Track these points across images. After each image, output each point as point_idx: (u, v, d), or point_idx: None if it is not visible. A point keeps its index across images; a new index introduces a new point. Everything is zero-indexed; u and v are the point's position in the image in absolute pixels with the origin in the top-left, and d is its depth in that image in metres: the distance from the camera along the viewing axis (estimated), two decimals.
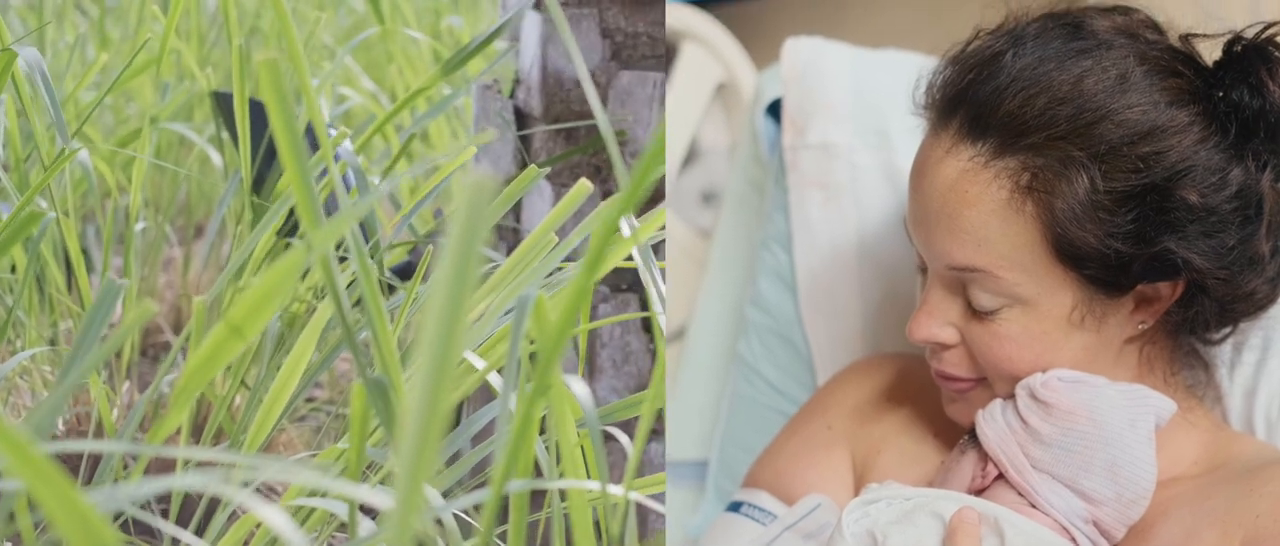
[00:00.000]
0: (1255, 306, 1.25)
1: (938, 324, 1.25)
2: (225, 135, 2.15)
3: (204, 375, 0.89)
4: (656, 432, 1.61)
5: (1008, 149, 1.19)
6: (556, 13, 0.93)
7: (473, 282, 0.58)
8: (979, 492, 1.24)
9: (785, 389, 1.54)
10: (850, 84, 1.55)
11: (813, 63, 1.56)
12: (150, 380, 2.11)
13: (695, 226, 1.78)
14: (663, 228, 1.54)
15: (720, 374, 1.61)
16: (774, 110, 1.60)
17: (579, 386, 0.97)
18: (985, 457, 1.23)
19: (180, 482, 0.68)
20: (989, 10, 1.27)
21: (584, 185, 1.25)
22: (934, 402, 1.34)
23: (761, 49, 1.80)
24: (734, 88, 1.78)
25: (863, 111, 1.54)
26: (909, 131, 1.30)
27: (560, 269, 1.29)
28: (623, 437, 1.15)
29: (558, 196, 1.68)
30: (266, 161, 1.98)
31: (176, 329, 2.32)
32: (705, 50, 1.78)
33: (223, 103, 2.07)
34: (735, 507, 1.37)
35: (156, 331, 2.29)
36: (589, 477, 1.08)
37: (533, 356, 1.33)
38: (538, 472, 1.54)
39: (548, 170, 1.40)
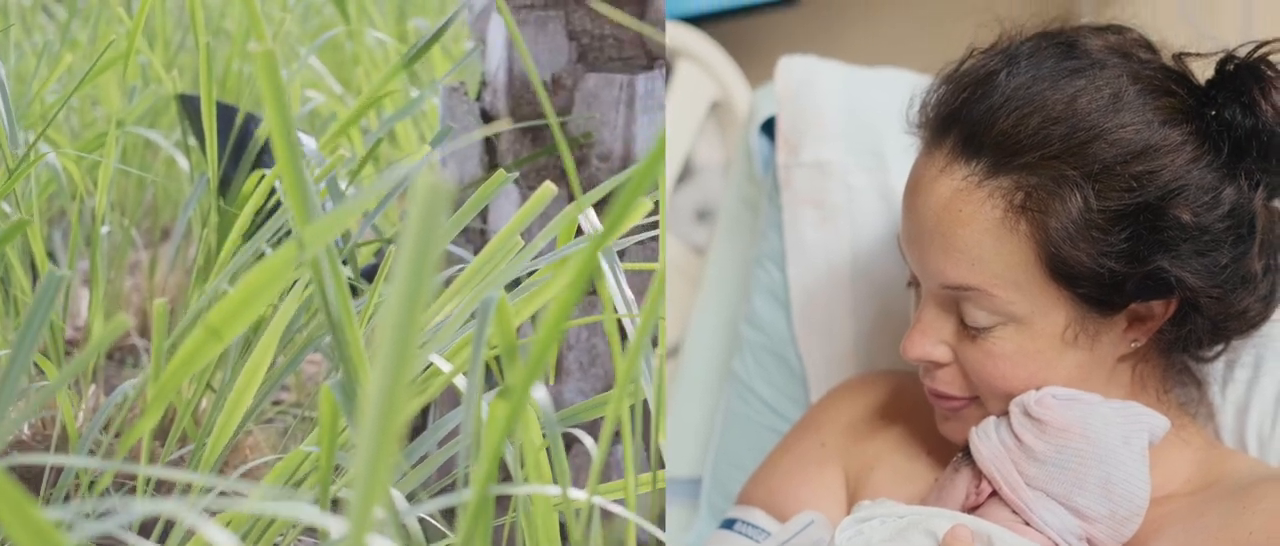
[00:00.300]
0: (1248, 324, 1.25)
1: (931, 342, 1.25)
2: (191, 139, 2.14)
3: (182, 375, 0.88)
4: (618, 434, 1.61)
5: (1001, 168, 1.19)
6: (507, 18, 0.93)
7: (428, 291, 0.57)
8: (973, 510, 1.23)
9: (779, 407, 1.54)
10: (843, 102, 1.55)
11: (806, 81, 1.56)
12: (116, 383, 2.10)
13: (690, 244, 1.78)
14: (653, 228, 1.53)
15: (714, 391, 1.61)
16: (768, 128, 1.60)
17: (538, 391, 0.97)
18: (979, 475, 1.23)
19: (139, 509, 0.67)
20: (983, 29, 1.27)
21: (548, 188, 1.25)
22: (927, 420, 1.33)
23: (756, 67, 1.81)
24: (728, 106, 1.78)
25: (856, 130, 1.54)
26: (902, 150, 1.30)
27: (530, 273, 1.28)
28: (587, 440, 1.14)
29: (525, 198, 1.68)
30: (231, 164, 1.97)
31: (142, 332, 2.31)
32: (700, 68, 1.78)
33: (188, 105, 2.06)
34: (729, 524, 1.37)
35: (123, 335, 2.28)
36: (553, 481, 1.08)
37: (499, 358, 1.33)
38: (504, 475, 1.53)
39: (515, 175, 1.40)
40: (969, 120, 1.21)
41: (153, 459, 1.59)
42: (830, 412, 1.41)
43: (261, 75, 0.82)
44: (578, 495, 0.96)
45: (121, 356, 2.25)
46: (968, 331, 1.23)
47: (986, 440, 1.23)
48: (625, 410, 0.92)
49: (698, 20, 1.89)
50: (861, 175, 1.53)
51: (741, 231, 1.63)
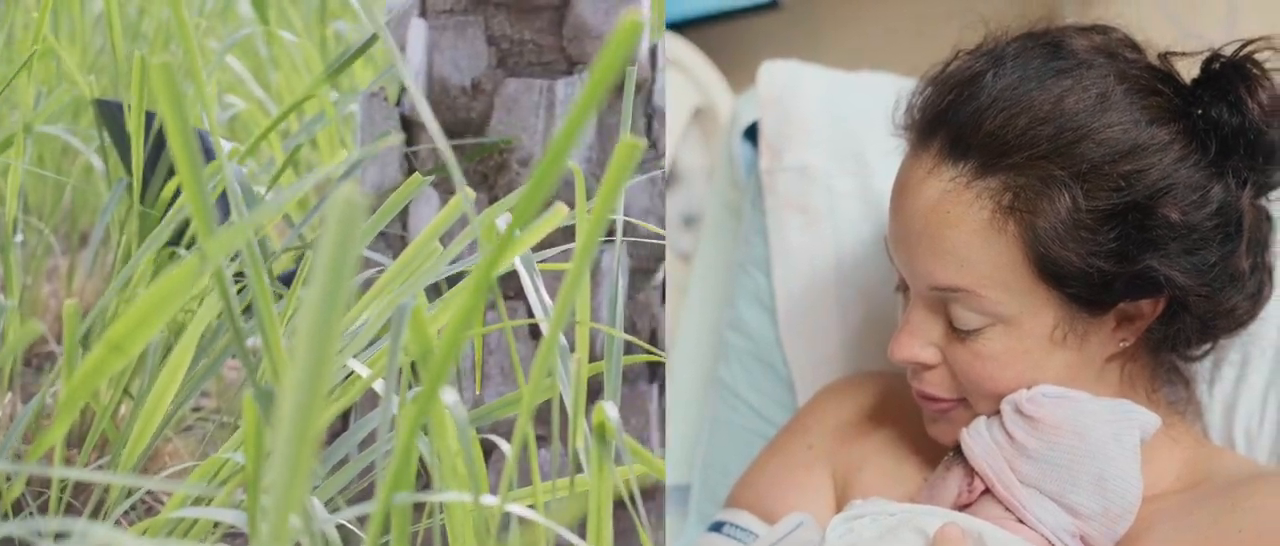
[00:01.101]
0: (1236, 323, 1.26)
1: (919, 344, 1.26)
2: (108, 143, 2.13)
3: (84, 392, 0.88)
4: (543, 439, 1.62)
5: (989, 169, 1.20)
6: (371, 21, 0.94)
7: (343, 302, 0.58)
8: (964, 508, 1.24)
9: (766, 412, 1.54)
10: (826, 107, 1.55)
11: (789, 86, 1.56)
12: (34, 391, 2.08)
13: (676, 250, 1.78)
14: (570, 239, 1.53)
15: (701, 398, 1.60)
16: (751, 134, 1.60)
17: (450, 395, 0.97)
18: (971, 473, 1.23)
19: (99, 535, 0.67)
20: (968, 31, 1.27)
21: (465, 193, 1.25)
22: (915, 422, 1.33)
23: (738, 72, 1.81)
24: (711, 111, 1.78)
25: (839, 134, 1.54)
26: (886, 154, 1.30)
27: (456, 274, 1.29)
28: (504, 445, 1.15)
29: (444, 204, 1.68)
30: (148, 168, 1.96)
31: (61, 339, 2.30)
32: (682, 74, 1.78)
33: (104, 110, 2.05)
34: (717, 527, 1.37)
35: (41, 341, 2.27)
36: (470, 487, 1.08)
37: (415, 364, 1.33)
38: (424, 479, 1.54)
39: (431, 179, 1.40)
40: (956, 122, 1.21)
41: (67, 467, 1.58)
42: (818, 414, 1.41)
43: (160, 89, 0.82)
44: (490, 501, 0.96)
45: (39, 362, 2.23)
46: (956, 333, 1.24)
47: (979, 438, 1.23)
48: (527, 412, 0.92)
49: (680, 26, 1.89)
50: (845, 179, 1.53)
51: (725, 237, 1.62)
